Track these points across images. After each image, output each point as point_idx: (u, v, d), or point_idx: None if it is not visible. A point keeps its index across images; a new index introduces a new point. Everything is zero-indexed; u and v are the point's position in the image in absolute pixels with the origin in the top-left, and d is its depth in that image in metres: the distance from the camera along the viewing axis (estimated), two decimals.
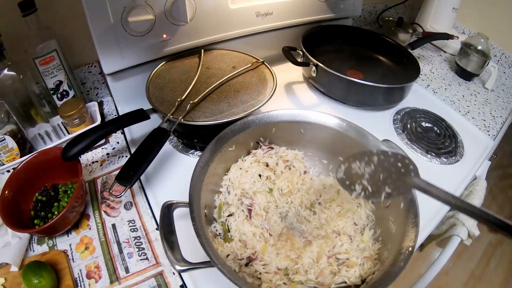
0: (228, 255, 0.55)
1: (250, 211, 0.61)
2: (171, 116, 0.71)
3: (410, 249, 0.49)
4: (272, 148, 0.71)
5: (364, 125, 0.67)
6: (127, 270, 0.61)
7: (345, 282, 0.52)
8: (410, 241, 0.50)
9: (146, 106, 0.75)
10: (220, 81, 0.83)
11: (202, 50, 0.92)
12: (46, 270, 0.56)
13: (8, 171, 0.74)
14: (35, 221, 0.64)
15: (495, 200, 2.24)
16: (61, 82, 0.82)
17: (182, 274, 0.59)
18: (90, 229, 0.66)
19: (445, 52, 1.42)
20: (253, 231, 0.58)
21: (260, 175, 0.67)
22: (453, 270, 1.82)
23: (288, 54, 0.95)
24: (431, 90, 1.15)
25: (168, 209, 0.52)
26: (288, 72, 1.09)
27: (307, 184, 0.68)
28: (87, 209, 0.70)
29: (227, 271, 0.44)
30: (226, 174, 0.67)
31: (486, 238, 2.03)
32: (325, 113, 0.69)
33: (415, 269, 1.69)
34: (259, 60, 0.91)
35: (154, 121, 0.74)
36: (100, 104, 0.95)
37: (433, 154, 0.88)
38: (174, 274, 0.60)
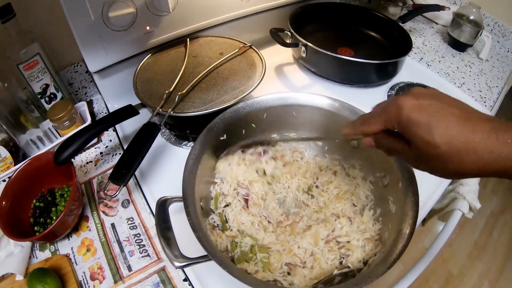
0: (227, 245, 0.55)
1: (246, 200, 0.60)
2: (160, 110, 0.70)
3: (409, 229, 0.48)
4: (267, 152, 0.68)
5: (358, 102, 0.66)
6: (129, 268, 0.61)
7: (348, 267, 0.52)
8: (410, 219, 0.49)
9: (136, 101, 0.74)
10: (208, 69, 0.81)
11: (188, 39, 0.90)
12: (51, 277, 0.56)
13: (4, 180, 0.73)
14: (35, 228, 0.63)
15: None
16: (47, 85, 0.80)
17: (184, 268, 0.58)
18: (90, 230, 0.66)
19: (436, 23, 1.38)
20: (251, 220, 0.58)
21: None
22: (456, 242, 1.84)
23: (276, 36, 0.92)
24: (425, 63, 1.13)
25: (163, 205, 0.51)
26: (278, 54, 1.07)
27: (303, 168, 0.67)
28: (85, 210, 0.69)
29: (224, 264, 0.43)
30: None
31: (488, 209, 2.02)
32: (317, 94, 0.67)
33: (418, 242, 1.71)
34: (246, 44, 0.89)
35: (145, 116, 0.73)
36: (90, 103, 0.94)
37: None
38: (176, 269, 0.60)
